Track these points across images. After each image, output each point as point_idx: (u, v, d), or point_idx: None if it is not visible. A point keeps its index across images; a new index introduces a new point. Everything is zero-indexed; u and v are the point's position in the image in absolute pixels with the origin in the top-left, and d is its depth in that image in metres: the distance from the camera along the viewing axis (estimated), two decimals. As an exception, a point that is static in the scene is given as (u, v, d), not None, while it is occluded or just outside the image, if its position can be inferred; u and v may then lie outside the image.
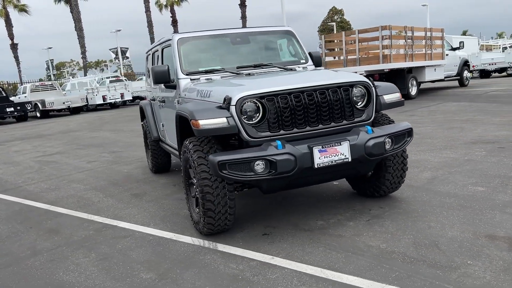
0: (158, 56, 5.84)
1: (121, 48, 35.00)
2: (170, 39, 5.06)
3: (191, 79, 4.70)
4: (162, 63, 5.52)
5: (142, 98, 30.66)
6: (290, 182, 3.71)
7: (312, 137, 3.70)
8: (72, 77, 34.60)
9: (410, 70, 14.53)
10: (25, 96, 25.06)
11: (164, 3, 44.73)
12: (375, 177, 4.29)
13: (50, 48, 44.40)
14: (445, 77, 16.99)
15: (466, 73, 18.33)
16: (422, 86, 17.14)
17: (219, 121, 3.51)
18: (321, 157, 3.52)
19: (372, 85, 3.94)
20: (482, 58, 24.68)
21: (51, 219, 4.94)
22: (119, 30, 35.15)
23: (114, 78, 29.39)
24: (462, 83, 18.33)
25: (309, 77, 3.99)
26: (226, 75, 4.71)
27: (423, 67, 14.86)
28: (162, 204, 5.07)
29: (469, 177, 4.91)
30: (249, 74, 4.62)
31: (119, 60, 34.90)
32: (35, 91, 25.44)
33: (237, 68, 4.87)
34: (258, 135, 3.58)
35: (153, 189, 5.83)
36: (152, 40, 39.71)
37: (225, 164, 3.37)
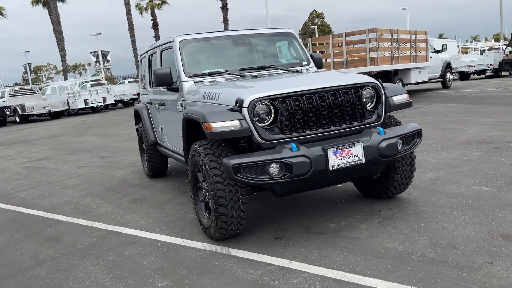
0: (156, 58, 5.74)
1: (102, 51, 34.47)
2: (171, 41, 4.97)
3: (194, 82, 4.62)
4: (161, 66, 5.43)
5: (124, 102, 30.39)
6: (303, 185, 3.67)
7: (323, 139, 3.66)
8: (52, 81, 33.90)
9: (396, 72, 14.70)
10: (4, 101, 24.45)
11: (145, 6, 44.32)
12: (383, 179, 4.29)
13: (28, 51, 43.51)
14: (429, 79, 17.26)
15: (449, 75, 18.66)
16: (406, 88, 17.35)
17: (232, 124, 3.45)
18: (336, 159, 3.49)
19: (381, 86, 3.94)
20: (461, 60, 25.16)
21: (50, 226, 4.79)
22: (99, 33, 34.65)
23: (96, 82, 28.96)
24: (445, 85, 18.64)
25: (319, 79, 3.96)
26: (230, 77, 4.65)
27: (408, 69, 15.05)
28: (164, 209, 4.97)
29: (471, 177, 4.96)
30: (255, 76, 4.57)
31: (100, 64, 34.37)
32: (14, 96, 24.86)
33: (240, 70, 4.81)
34: (271, 138, 3.53)
35: (152, 194, 5.72)
36: (133, 43, 39.32)
37: (239, 168, 3.31)
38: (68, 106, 25.64)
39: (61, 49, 34.73)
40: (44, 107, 24.13)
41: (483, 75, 26.30)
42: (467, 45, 30.45)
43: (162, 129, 5.75)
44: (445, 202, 4.22)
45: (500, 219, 3.66)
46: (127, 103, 30.72)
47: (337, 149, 3.50)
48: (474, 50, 32.92)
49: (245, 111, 3.49)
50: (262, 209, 4.58)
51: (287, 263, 3.27)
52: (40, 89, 29.99)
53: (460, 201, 4.21)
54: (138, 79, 35.41)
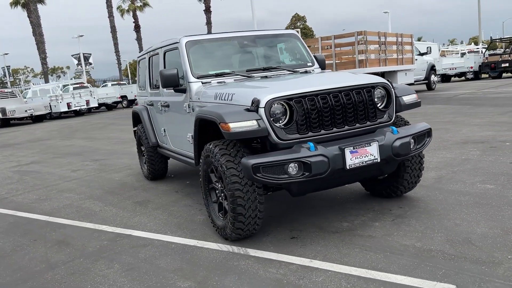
0: (157, 60, 5.70)
1: (83, 54, 34.00)
2: (176, 42, 4.94)
3: (202, 83, 4.61)
4: (165, 67, 5.40)
5: (108, 105, 30.02)
6: (319, 184, 3.70)
7: (338, 138, 3.70)
8: (33, 84, 33.23)
9: (383, 74, 14.89)
10: (-17, 104, 23.87)
11: (126, 9, 43.98)
12: (393, 178, 4.34)
13: (6, 54, 42.58)
14: (414, 81, 17.55)
15: (433, 77, 19.02)
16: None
17: (250, 124, 3.46)
18: (352, 158, 3.52)
19: (392, 87, 4.01)
20: (443, 63, 25.67)
21: (55, 230, 4.70)
22: (81, 36, 34.16)
23: (78, 85, 28.52)
24: (429, 87, 18.99)
25: (332, 79, 3.99)
26: (237, 78, 4.65)
27: (395, 72, 15.28)
28: (171, 211, 4.93)
29: (474, 175, 5.06)
30: (265, 77, 4.59)
31: (82, 66, 33.89)
32: (-6, 99, 24.29)
33: (247, 71, 4.82)
34: (288, 137, 3.55)
35: (155, 196, 5.67)
36: (116, 46, 38.94)
37: (259, 167, 3.31)
38: (51, 109, 25.22)
39: (42, 51, 34.13)
40: (26, 111, 23.63)
41: (463, 77, 26.91)
42: (448, 48, 31.06)
43: (165, 131, 5.70)
44: (453, 200, 4.30)
45: (510, 216, 3.75)
46: (110, 106, 30.38)
47: (353, 148, 3.53)
48: (452, 53, 33.52)
49: (261, 111, 3.50)
50: (272, 209, 4.58)
51: (308, 262, 3.28)
52: (21, 92, 29.42)
53: (467, 199, 4.29)
54: (122, 82, 35.11)
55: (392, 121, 3.98)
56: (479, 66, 25.49)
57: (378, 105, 3.90)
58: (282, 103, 3.55)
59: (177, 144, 5.35)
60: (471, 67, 25.58)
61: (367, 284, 2.88)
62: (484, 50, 28.05)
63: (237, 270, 3.28)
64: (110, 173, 7.47)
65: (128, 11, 43.50)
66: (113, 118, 21.60)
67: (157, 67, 5.75)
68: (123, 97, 30.60)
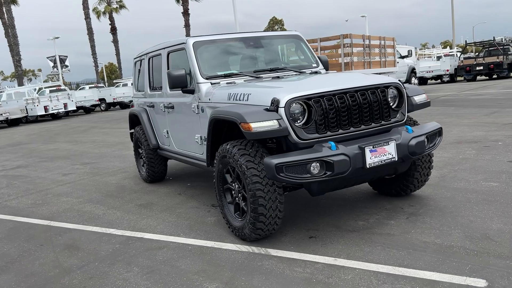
0: (159, 61, 5.64)
1: (59, 56, 33.27)
2: (183, 43, 4.90)
3: (211, 83, 4.58)
4: (168, 68, 5.35)
5: (86, 108, 29.48)
6: (339, 183, 3.73)
7: (354, 138, 3.74)
8: (7, 87, 32.26)
9: (367, 77, 15.12)
10: (-43, 108, 23.12)
11: (102, 10, 43.34)
12: (403, 176, 4.41)
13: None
14: (395, 84, 17.86)
15: (414, 80, 19.42)
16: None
17: (271, 124, 3.45)
18: (372, 157, 3.56)
19: (403, 87, 4.08)
20: (420, 66, 26.25)
21: (61, 235, 4.58)
22: (57, 38, 33.41)
23: (55, 88, 27.92)
24: (410, 89, 19.34)
25: (347, 79, 4.03)
26: (247, 79, 4.64)
27: (379, 74, 15.51)
28: (179, 213, 4.87)
29: (475, 174, 5.19)
30: (277, 77, 4.60)
31: (58, 69, 33.14)
32: (-33, 103, 23.56)
33: (254, 72, 4.82)
34: (307, 137, 3.57)
35: (159, 199, 5.59)
36: (93, 48, 38.27)
37: (282, 167, 3.31)
38: (27, 112, 24.59)
39: (16, 53, 33.23)
40: (1, 114, 23.00)
41: (439, 80, 27.58)
42: (424, 52, 31.78)
43: (168, 132, 5.64)
44: (461, 197, 4.40)
45: (521, 212, 3.86)
46: (88, 110, 29.85)
47: (373, 147, 3.57)
48: (424, 57, 34.20)
49: (281, 110, 3.51)
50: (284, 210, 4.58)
51: (333, 261, 3.30)
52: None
53: (475, 196, 4.39)
54: (99, 85, 34.53)
55: (404, 120, 4.05)
56: (455, 69, 26.19)
57: (391, 105, 3.96)
58: (301, 103, 3.57)
59: (183, 145, 5.29)
60: (447, 70, 26.26)
61: (397, 280, 2.91)
62: (459, 53, 28.80)
63: (262, 270, 3.26)
64: (104, 177, 7.33)
65: (104, 13, 42.89)
66: (93, 121, 21.22)
67: (159, 68, 5.69)
68: (101, 100, 30.12)
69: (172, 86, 4.62)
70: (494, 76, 25.66)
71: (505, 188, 4.54)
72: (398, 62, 17.52)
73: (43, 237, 4.58)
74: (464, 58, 26.27)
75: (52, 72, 35.51)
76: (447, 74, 26.27)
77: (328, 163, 3.38)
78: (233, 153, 3.68)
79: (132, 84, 30.24)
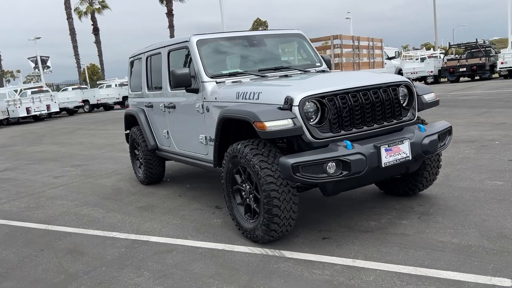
0: (157, 60, 5.51)
1: (41, 57, 32.57)
2: (185, 41, 4.78)
3: (216, 82, 4.48)
4: (169, 67, 5.23)
5: (69, 110, 28.95)
6: (354, 183, 3.68)
7: (367, 137, 3.69)
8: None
9: (356, 77, 15.18)
10: None
11: (84, 11, 42.66)
12: (412, 176, 4.37)
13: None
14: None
15: (400, 81, 19.54)
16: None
17: (286, 123, 3.38)
18: (387, 156, 3.52)
19: (413, 85, 4.05)
20: (405, 67, 26.51)
21: (61, 239, 4.42)
22: (38, 38, 32.75)
23: (37, 89, 27.32)
24: (396, 90, 19.49)
25: (358, 77, 3.99)
26: (253, 77, 4.56)
27: (367, 75, 15.58)
28: (182, 215, 4.75)
29: (478, 172, 5.20)
30: (285, 76, 4.52)
31: (39, 70, 32.45)
32: None
33: (259, 70, 4.74)
34: (322, 136, 3.50)
35: (159, 201, 5.46)
36: (75, 48, 37.66)
37: (298, 167, 3.24)
38: (8, 114, 24.01)
39: (-5, 54, 32.46)
40: (-18, 116, 22.42)
41: (423, 81, 27.89)
42: (408, 53, 32.13)
43: (168, 133, 5.50)
44: (469, 196, 4.39)
45: (532, 210, 3.87)
46: (72, 111, 29.33)
47: (388, 146, 3.53)
48: (406, 58, 34.43)
49: (295, 109, 3.44)
50: (291, 210, 4.51)
51: (351, 262, 3.23)
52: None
53: (483, 195, 4.39)
54: (83, 86, 33.97)
55: (415, 119, 4.02)
56: (439, 70, 26.53)
57: (403, 103, 3.93)
58: (315, 101, 3.50)
59: (185, 146, 5.18)
60: (431, 72, 26.59)
61: (421, 281, 2.86)
62: (442, 55, 29.20)
63: (280, 273, 3.18)
64: (98, 179, 7.15)
65: (86, 13, 42.24)
66: (78, 123, 20.84)
67: (158, 67, 5.57)
68: (85, 101, 29.63)
69: (176, 85, 4.51)
70: (477, 78, 26.07)
71: (511, 187, 4.55)
72: (386, 63, 17.64)
73: (43, 241, 4.41)
74: (448, 60, 26.65)
75: (33, 73, 34.75)
76: (431, 76, 26.60)
77: (345, 162, 3.31)
78: (245, 153, 3.59)
79: (116, 85, 29.67)
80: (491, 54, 25.63)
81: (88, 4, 42.31)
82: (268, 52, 5.16)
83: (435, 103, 4.26)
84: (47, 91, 26.81)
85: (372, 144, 3.51)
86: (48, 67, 33.29)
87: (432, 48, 38.55)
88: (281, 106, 3.49)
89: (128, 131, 6.74)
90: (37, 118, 25.94)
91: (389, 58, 18.65)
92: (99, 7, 43.22)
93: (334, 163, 3.32)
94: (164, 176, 6.56)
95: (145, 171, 6.20)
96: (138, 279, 3.32)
